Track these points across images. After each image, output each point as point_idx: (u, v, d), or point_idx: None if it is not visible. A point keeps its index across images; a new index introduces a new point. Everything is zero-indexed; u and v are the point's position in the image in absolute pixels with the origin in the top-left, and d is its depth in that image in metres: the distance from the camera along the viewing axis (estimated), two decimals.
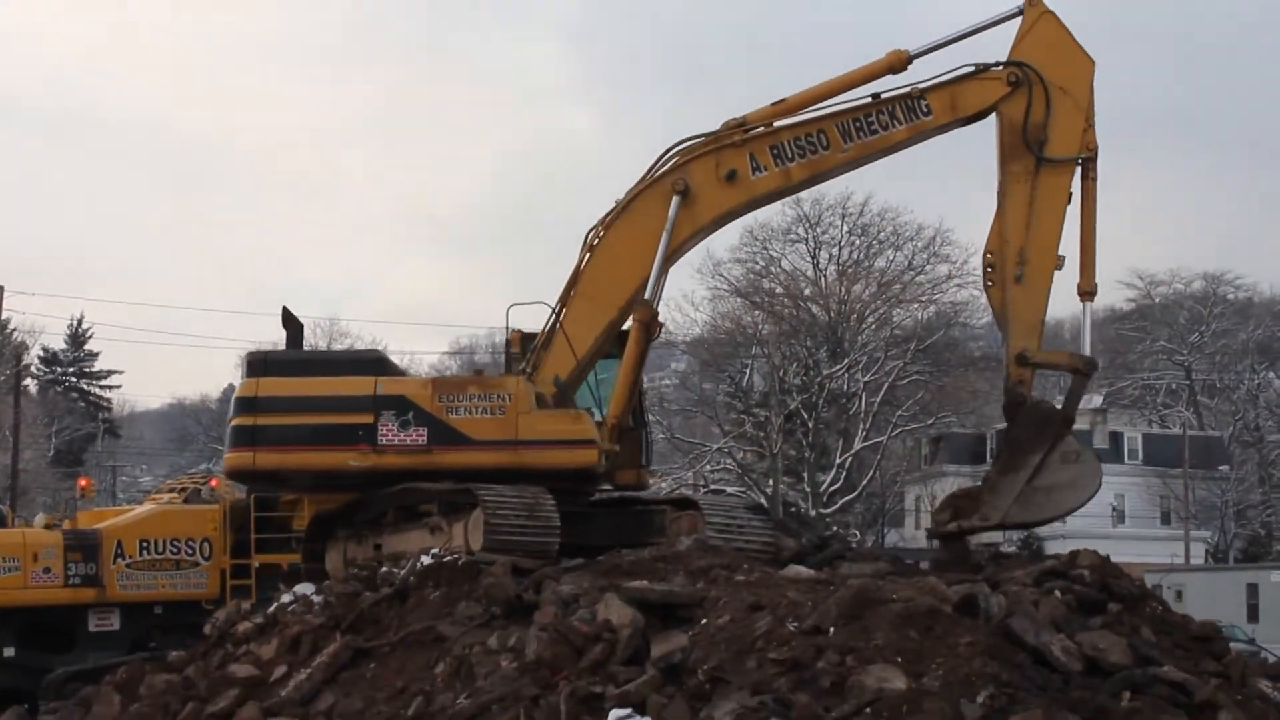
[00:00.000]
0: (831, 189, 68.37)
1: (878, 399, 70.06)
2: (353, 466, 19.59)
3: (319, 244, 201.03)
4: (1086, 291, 19.97)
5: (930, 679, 11.97)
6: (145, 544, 26.93)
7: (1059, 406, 19.68)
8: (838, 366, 69.88)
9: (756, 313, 72.54)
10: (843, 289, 72.65)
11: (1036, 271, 19.56)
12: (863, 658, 12.39)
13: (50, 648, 26.20)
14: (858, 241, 75.55)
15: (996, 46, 20.22)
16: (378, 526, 20.39)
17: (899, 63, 19.97)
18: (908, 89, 19.92)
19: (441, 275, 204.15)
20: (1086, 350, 20.22)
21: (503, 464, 19.50)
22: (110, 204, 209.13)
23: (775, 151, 19.89)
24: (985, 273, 19.92)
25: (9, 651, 26.22)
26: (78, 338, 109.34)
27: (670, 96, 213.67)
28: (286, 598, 18.27)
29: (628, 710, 12.74)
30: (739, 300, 73.31)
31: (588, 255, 20.17)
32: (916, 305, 73.79)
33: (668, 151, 20.02)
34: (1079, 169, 19.81)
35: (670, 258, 20.06)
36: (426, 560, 17.33)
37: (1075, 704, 11.99)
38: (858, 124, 19.94)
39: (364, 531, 20.67)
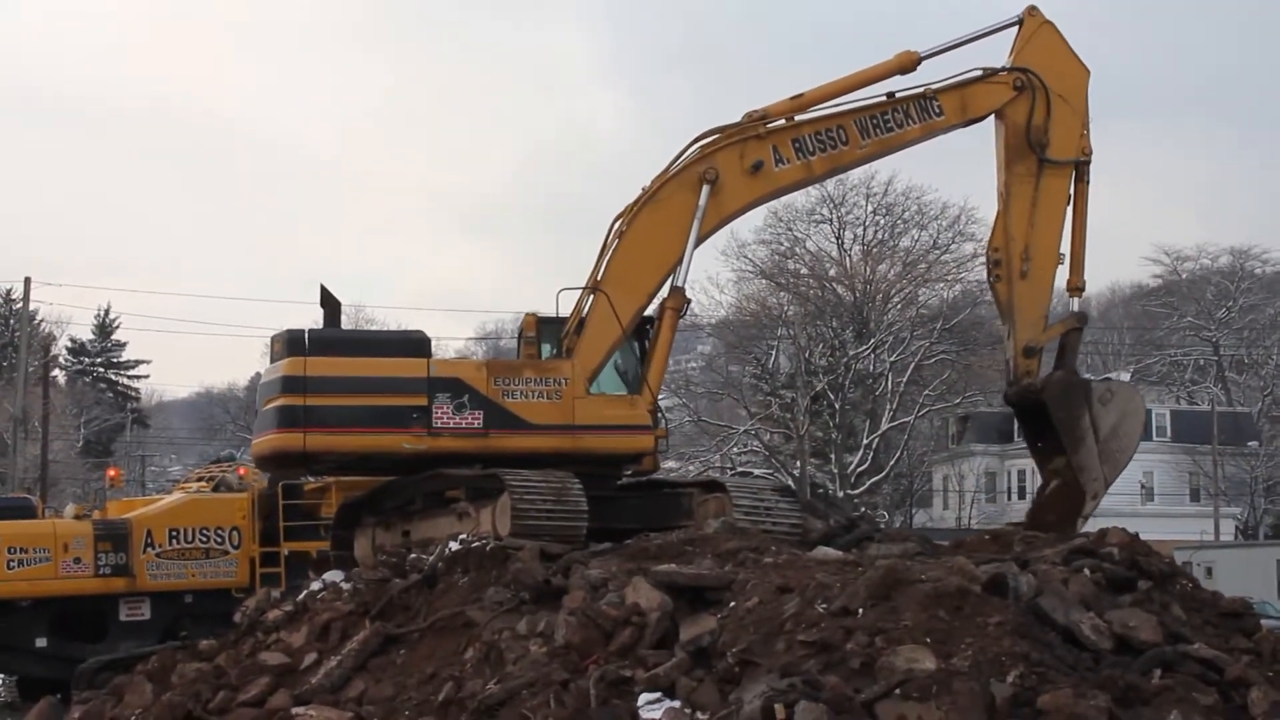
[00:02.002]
0: (855, 169, 68.17)
1: (904, 379, 69.91)
2: (407, 450, 19.27)
3: (344, 231, 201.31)
4: (1076, 287, 21.53)
5: (960, 659, 11.95)
6: (175, 533, 27.08)
7: (1059, 371, 20.99)
8: (864, 347, 69.75)
9: (782, 294, 72.49)
10: (868, 269, 72.42)
11: (1041, 267, 20.98)
12: (892, 638, 12.37)
13: (82, 637, 26.36)
14: (882, 221, 75.35)
15: (994, 50, 21.49)
16: (406, 513, 20.39)
17: (909, 64, 21.04)
18: (921, 89, 21.02)
19: (467, 261, 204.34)
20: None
21: (560, 449, 19.58)
22: (135, 194, 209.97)
23: (797, 145, 20.57)
24: (990, 269, 21.32)
25: (42, 642, 26.40)
26: (105, 328, 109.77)
27: (695, 81, 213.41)
28: (316, 585, 18.31)
29: (657, 694, 12.75)
30: (764, 282, 73.29)
31: (616, 242, 20.30)
32: (942, 284, 73.60)
33: (693, 142, 20.35)
34: (1074, 171, 21.22)
35: (697, 244, 20.34)
36: (455, 546, 17.31)
37: (1105, 682, 11.96)
38: (875, 121, 20.88)
39: (392, 518, 20.67)
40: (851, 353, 69.55)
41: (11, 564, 25.79)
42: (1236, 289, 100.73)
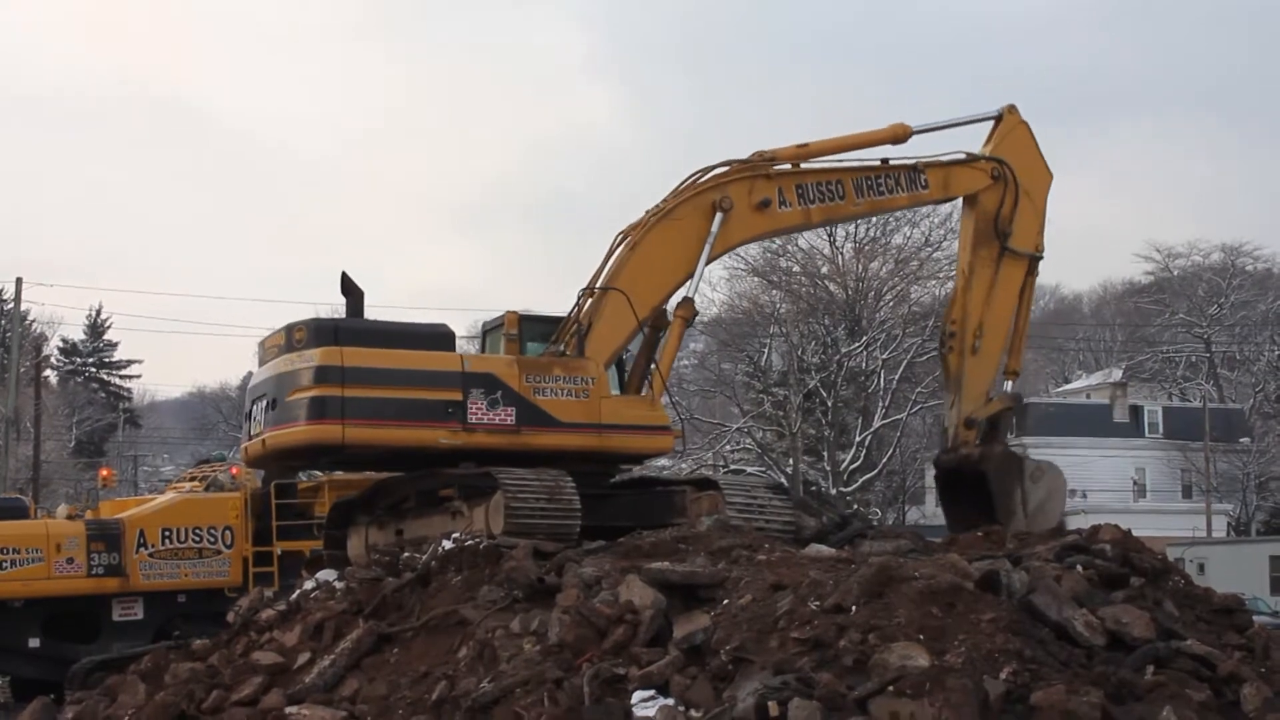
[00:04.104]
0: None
1: (896, 376, 69.87)
2: (443, 444, 19.05)
3: (337, 229, 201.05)
4: (1013, 370, 23.37)
5: (953, 656, 11.96)
6: (168, 533, 27.09)
7: (999, 446, 22.56)
8: (856, 344, 69.72)
9: (774, 292, 72.41)
10: (860, 266, 72.36)
11: (991, 345, 22.64)
12: (885, 635, 12.38)
13: (75, 637, 26.37)
14: (874, 218, 75.25)
15: (967, 138, 23.17)
16: (399, 512, 20.38)
17: (901, 135, 22.43)
18: (913, 161, 22.42)
19: (459, 258, 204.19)
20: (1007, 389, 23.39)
21: (588, 447, 19.75)
22: (127, 193, 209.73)
23: (800, 191, 21.64)
24: (944, 339, 22.91)
25: (34, 642, 26.42)
26: (97, 328, 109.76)
27: (690, 79, 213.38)
28: (309, 584, 18.28)
29: (651, 691, 12.75)
30: (756, 279, 73.15)
31: (625, 252, 20.71)
32: (934, 281, 73.34)
33: (702, 171, 21.15)
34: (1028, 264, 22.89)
35: (705, 264, 21.09)
36: (448, 545, 17.29)
37: (1098, 679, 11.98)
38: (869, 183, 22.20)
39: (385, 517, 20.65)
40: (844, 350, 69.53)
41: (4, 564, 25.78)
42: (1228, 286, 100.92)
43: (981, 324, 22.44)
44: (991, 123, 23.12)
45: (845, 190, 21.94)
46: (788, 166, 21.65)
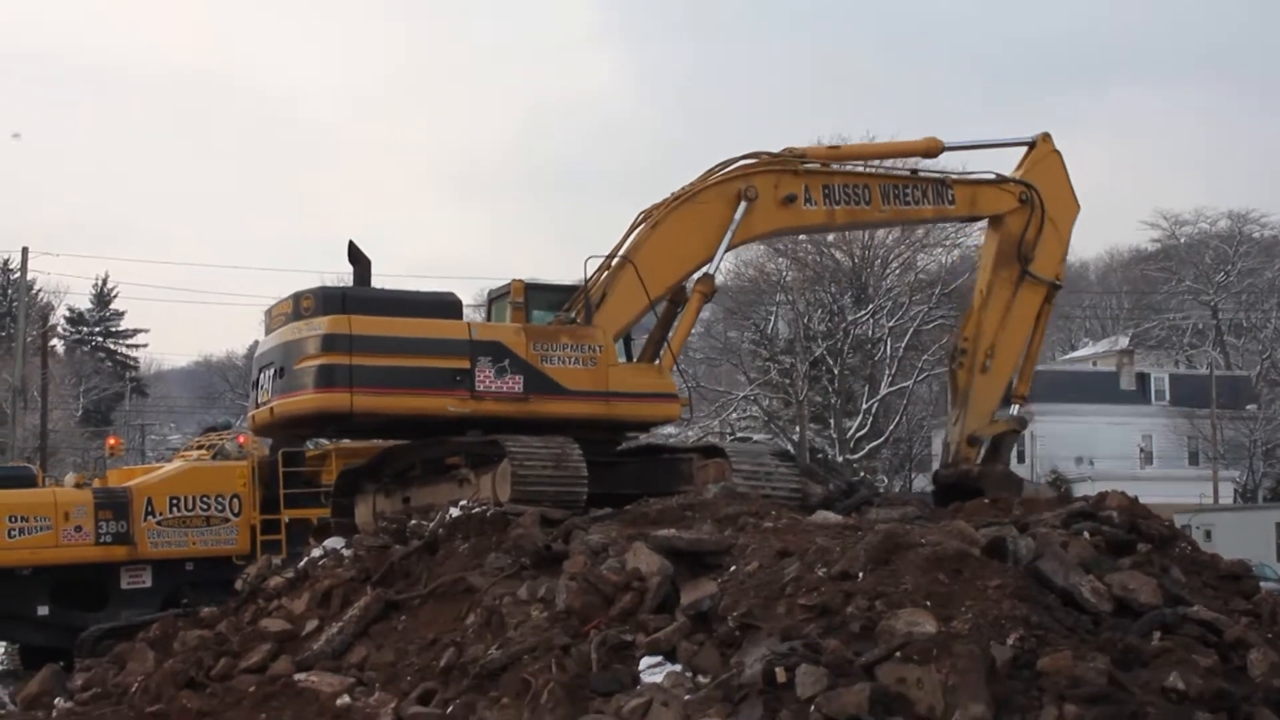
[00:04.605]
0: (852, 132, 68.08)
1: (903, 344, 69.85)
2: (451, 412, 19.08)
3: (341, 197, 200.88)
4: (1021, 395, 23.47)
5: (959, 622, 11.97)
6: (175, 501, 27.11)
7: (999, 465, 22.69)
8: (862, 312, 69.68)
9: (780, 259, 72.30)
10: (866, 234, 72.21)
11: (1001, 366, 22.74)
12: (892, 602, 12.39)
13: (83, 605, 26.41)
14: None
15: (1000, 161, 23.34)
16: (406, 480, 20.42)
17: (934, 150, 22.62)
18: (941, 176, 22.75)
19: (461, 226, 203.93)
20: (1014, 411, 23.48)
21: (596, 415, 19.82)
22: (133, 161, 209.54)
23: (827, 191, 21.68)
24: (955, 355, 22.99)
25: (43, 610, 26.46)
26: (103, 297, 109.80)
27: (695, 47, 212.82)
28: (317, 552, 18.35)
29: (658, 658, 12.78)
30: (762, 247, 72.91)
31: (650, 231, 20.77)
32: (940, 249, 73.31)
33: (729, 161, 21.24)
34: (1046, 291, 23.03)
35: (726, 251, 21.24)
36: (455, 512, 17.34)
37: (1105, 645, 11.97)
38: (896, 191, 22.25)
39: (392, 485, 20.70)
40: (850, 318, 69.49)
41: (12, 533, 25.81)
42: (1235, 253, 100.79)
43: (994, 344, 22.55)
44: (1025, 152, 23.23)
45: (872, 196, 22.02)
46: (817, 165, 21.72)
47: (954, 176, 22.69)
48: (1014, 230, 22.66)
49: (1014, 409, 23.37)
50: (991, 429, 22.61)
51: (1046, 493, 22.38)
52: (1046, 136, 23.17)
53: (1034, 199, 22.56)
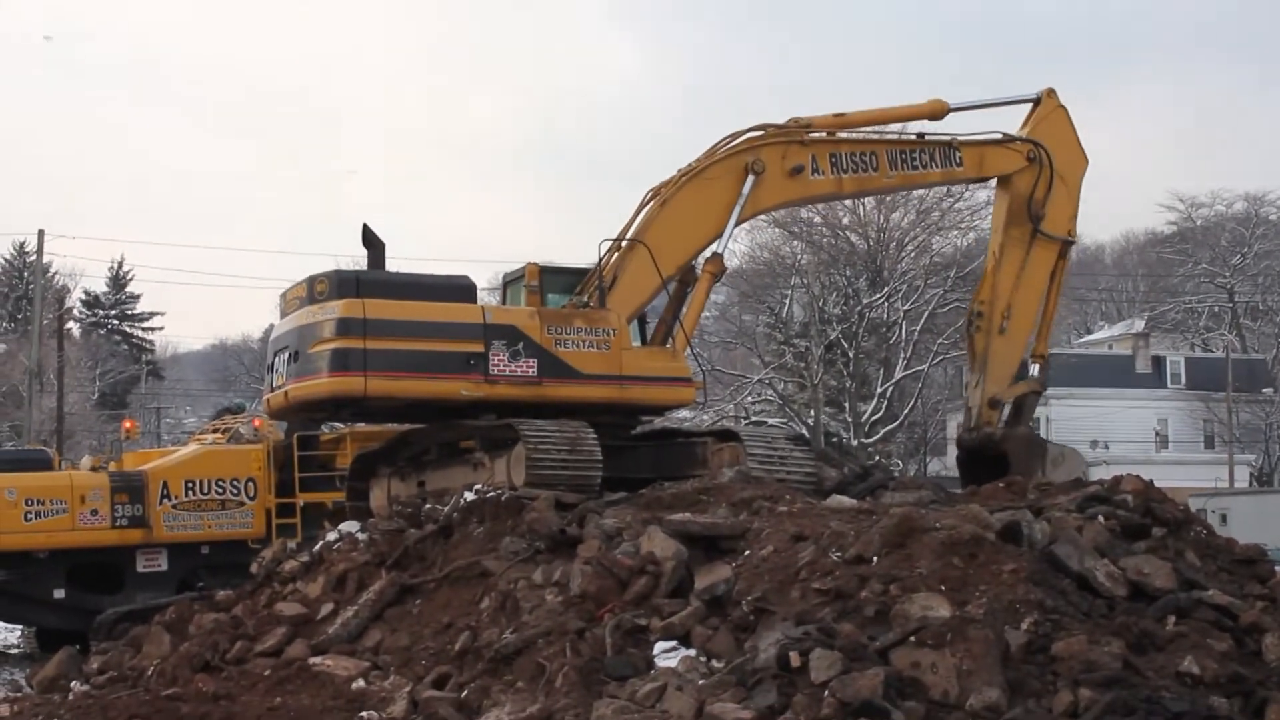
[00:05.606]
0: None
1: (918, 327, 69.66)
2: (464, 396, 19.06)
3: (355, 181, 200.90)
4: (1041, 355, 23.59)
5: (974, 606, 11.97)
6: (191, 485, 27.21)
7: (1021, 428, 22.60)
8: (877, 295, 69.51)
9: (795, 243, 72.13)
10: (881, 217, 71.99)
11: (1018, 327, 22.67)
12: (906, 586, 12.39)
13: (99, 588, 26.53)
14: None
15: (1005, 119, 23.07)
16: (420, 464, 20.43)
17: (939, 112, 22.46)
18: (948, 138, 22.48)
19: (480, 209, 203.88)
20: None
21: (610, 399, 19.81)
22: (149, 145, 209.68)
23: (834, 160, 21.62)
24: (972, 319, 22.86)
25: (59, 593, 26.58)
26: (119, 280, 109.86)
27: (708, 29, 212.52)
28: (332, 536, 18.36)
29: (673, 642, 12.80)
30: (777, 230, 72.80)
31: (658, 209, 20.70)
32: (956, 232, 73.01)
33: (734, 135, 21.14)
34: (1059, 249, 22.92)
35: (735, 226, 21.15)
36: (470, 496, 17.35)
37: (1120, 629, 11.97)
38: (904, 156, 22.20)
39: (407, 469, 20.71)
40: (865, 301, 69.32)
41: (29, 516, 25.92)
42: (1251, 235, 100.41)
43: (1010, 305, 22.47)
44: (1030, 109, 23.09)
45: (879, 162, 21.96)
46: (823, 135, 21.64)
47: (961, 138, 22.54)
48: (1023, 189, 22.56)
49: (1034, 369, 23.35)
50: (1012, 391, 22.54)
51: (1073, 457, 22.54)
52: (1051, 92, 22.99)
53: (1041, 156, 22.48)
